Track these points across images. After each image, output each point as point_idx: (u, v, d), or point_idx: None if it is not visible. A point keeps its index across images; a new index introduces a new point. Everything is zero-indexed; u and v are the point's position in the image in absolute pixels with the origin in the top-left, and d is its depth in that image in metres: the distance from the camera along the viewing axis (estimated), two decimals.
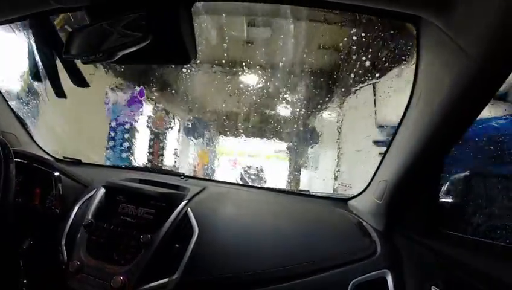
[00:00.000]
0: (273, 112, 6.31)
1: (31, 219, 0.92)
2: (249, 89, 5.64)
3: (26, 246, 0.87)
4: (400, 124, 0.74)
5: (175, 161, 6.81)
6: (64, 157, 1.39)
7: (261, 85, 5.37)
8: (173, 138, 6.65)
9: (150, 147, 5.45)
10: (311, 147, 5.70)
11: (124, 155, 4.37)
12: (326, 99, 4.55)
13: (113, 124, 4.48)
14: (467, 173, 0.72)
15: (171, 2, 0.54)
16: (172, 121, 5.40)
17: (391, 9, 0.53)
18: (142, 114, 4.54)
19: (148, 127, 5.35)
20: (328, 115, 5.18)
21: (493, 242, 0.71)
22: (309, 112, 5.31)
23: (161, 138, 5.54)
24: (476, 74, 0.48)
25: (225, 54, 4.74)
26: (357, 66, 3.64)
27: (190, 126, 6.19)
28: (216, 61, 4.92)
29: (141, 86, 4.39)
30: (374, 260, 0.75)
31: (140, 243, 0.79)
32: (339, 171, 4.47)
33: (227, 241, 0.82)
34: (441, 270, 0.65)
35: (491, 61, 0.46)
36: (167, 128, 5.40)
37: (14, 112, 1.22)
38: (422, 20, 0.56)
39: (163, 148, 5.59)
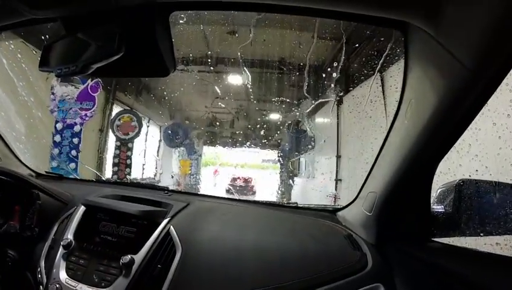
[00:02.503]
0: (263, 115, 6.35)
1: (8, 239, 0.93)
2: (234, 89, 5.62)
3: (3, 269, 0.88)
4: (388, 133, 0.78)
5: (155, 174, 6.69)
6: (46, 172, 1.44)
7: (247, 85, 5.36)
8: (152, 147, 6.54)
9: (115, 156, 5.18)
10: (306, 154, 5.75)
11: (72, 166, 3.85)
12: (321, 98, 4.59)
13: (59, 126, 3.94)
14: (457, 180, 0.77)
15: (146, 12, 0.55)
16: (142, 127, 5.14)
17: (377, 15, 0.55)
18: (93, 114, 4.07)
19: (114, 133, 5.06)
20: (324, 117, 5.21)
21: (486, 252, 0.75)
22: (302, 114, 5.37)
23: (130, 145, 5.28)
24: (468, 81, 0.50)
25: (207, 48, 4.64)
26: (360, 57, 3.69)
27: (170, 134, 6.09)
28: (197, 58, 4.85)
29: (96, 79, 3.92)
30: (365, 273, 0.77)
31: (121, 264, 0.80)
32: (340, 180, 4.49)
33: (212, 261, 0.83)
34: (435, 283, 0.68)
35: (484, 68, 0.48)
36: (136, 135, 5.13)
37: None
38: (410, 26, 0.58)
39: (130, 157, 5.29)
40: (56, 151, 3.88)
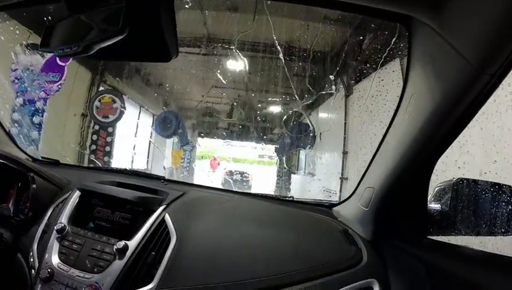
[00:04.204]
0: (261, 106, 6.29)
1: (1, 221, 0.96)
2: (232, 76, 5.48)
3: None
4: (387, 128, 0.81)
5: (147, 163, 6.66)
6: (42, 157, 1.48)
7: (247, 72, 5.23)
8: (144, 136, 6.51)
9: (92, 142, 4.91)
10: (308, 149, 5.75)
11: (31, 150, 3.38)
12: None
13: (19, 100, 3.57)
14: (455, 179, 0.82)
15: None
16: (124, 109, 4.89)
17: (380, 8, 0.56)
18: (59, 88, 3.68)
19: (90, 115, 4.78)
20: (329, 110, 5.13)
21: (482, 250, 0.80)
22: (305, 106, 5.33)
23: (110, 130, 5.06)
24: (471, 76, 0.53)
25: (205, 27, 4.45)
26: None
27: (163, 122, 6.05)
28: (194, 38, 4.68)
29: None
30: (360, 269, 0.82)
31: (115, 250, 0.84)
32: (346, 178, 4.46)
33: (206, 250, 0.88)
34: (429, 280, 0.72)
35: (487, 64, 0.50)
36: (117, 119, 4.90)
37: None
38: (414, 21, 0.61)
39: (110, 144, 5.08)
40: (14, 131, 3.40)
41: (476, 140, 1.41)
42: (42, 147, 3.60)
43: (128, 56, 0.76)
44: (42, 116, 3.68)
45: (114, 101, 4.87)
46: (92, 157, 4.86)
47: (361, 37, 3.88)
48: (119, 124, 5.26)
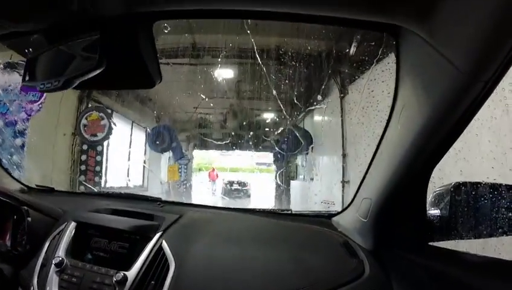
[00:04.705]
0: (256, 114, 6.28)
1: (0, 257, 0.98)
2: (223, 86, 5.45)
3: None
4: (380, 139, 0.83)
5: (142, 180, 6.62)
6: (36, 185, 1.51)
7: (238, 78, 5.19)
8: (137, 152, 6.49)
9: (81, 162, 4.80)
10: (305, 155, 5.75)
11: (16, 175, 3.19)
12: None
13: None
14: (453, 183, 0.83)
15: (128, 23, 0.57)
16: (112, 126, 4.77)
17: (367, 20, 0.57)
18: (40, 107, 3.51)
19: (78, 134, 4.64)
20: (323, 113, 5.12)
21: (484, 255, 0.81)
22: (301, 111, 5.32)
23: (99, 149, 4.96)
24: (462, 85, 0.53)
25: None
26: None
27: (155, 137, 6.03)
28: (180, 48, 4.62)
29: None
30: (363, 280, 0.82)
31: (114, 282, 0.85)
32: (348, 182, 4.43)
33: (206, 273, 0.88)
34: (432, 287, 0.72)
35: (479, 71, 0.50)
36: (106, 137, 4.80)
37: None
38: (402, 30, 0.61)
39: (99, 163, 4.97)
40: None
41: (471, 146, 1.44)
42: (27, 171, 3.48)
43: (110, 85, 0.77)
44: (23, 138, 3.53)
45: (102, 118, 4.75)
46: (82, 178, 4.76)
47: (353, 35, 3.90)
48: (111, 141, 5.19)
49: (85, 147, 4.88)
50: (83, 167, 4.85)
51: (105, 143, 5.09)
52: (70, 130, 4.75)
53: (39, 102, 3.59)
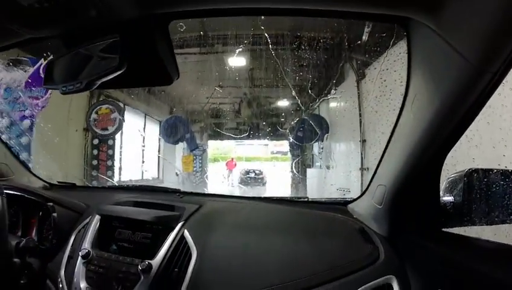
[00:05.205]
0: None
1: (29, 252, 1.04)
2: (236, 74, 5.41)
3: (24, 281, 0.99)
4: (394, 126, 0.85)
5: (158, 172, 6.72)
6: (58, 182, 1.59)
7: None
8: (152, 145, 6.61)
9: (93, 157, 4.81)
10: (321, 142, 5.72)
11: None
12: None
13: (5, 122, 3.37)
14: (466, 169, 0.85)
15: (144, 24, 0.61)
16: (123, 120, 4.73)
17: (377, 13, 0.59)
18: (45, 104, 3.46)
19: (90, 129, 4.60)
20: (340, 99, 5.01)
21: (498, 242, 0.82)
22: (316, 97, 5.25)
23: (110, 143, 4.93)
24: (471, 75, 0.55)
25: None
26: None
27: (168, 129, 6.10)
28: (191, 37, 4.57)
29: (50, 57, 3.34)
30: (378, 266, 0.86)
31: (139, 270, 0.91)
32: (367, 169, 4.38)
33: (227, 261, 0.94)
34: (446, 273, 0.75)
35: (488, 62, 0.52)
36: (117, 130, 4.77)
37: (4, 142, 1.41)
38: (412, 22, 0.62)
39: (111, 157, 4.94)
40: None
41: (483, 134, 1.43)
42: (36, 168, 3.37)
43: (129, 84, 0.81)
44: (30, 136, 3.51)
45: (112, 111, 4.73)
46: (95, 173, 4.76)
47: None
48: (125, 135, 5.23)
49: (96, 141, 4.88)
50: (95, 162, 4.87)
51: (118, 137, 5.11)
52: (82, 126, 4.78)
53: (44, 97, 3.56)
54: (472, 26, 0.50)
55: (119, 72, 0.56)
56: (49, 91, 3.51)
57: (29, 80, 3.42)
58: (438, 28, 0.55)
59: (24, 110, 3.51)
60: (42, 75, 3.25)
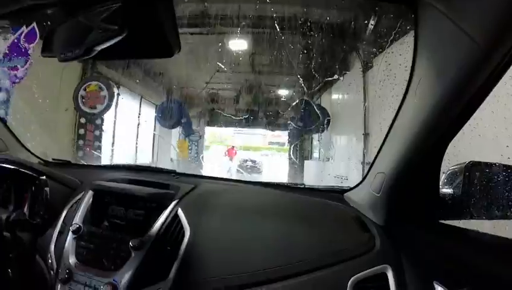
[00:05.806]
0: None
1: (19, 225, 1.03)
2: (237, 58, 5.35)
3: (14, 254, 0.98)
4: (396, 113, 0.85)
5: (152, 157, 6.70)
6: (53, 159, 1.59)
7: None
8: (145, 127, 6.59)
9: (78, 137, 4.67)
10: (320, 133, 5.72)
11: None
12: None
13: None
14: (467, 162, 0.85)
15: None
16: (113, 98, 4.57)
17: None
18: (24, 75, 3.34)
19: (77, 106, 4.43)
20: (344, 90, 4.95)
21: (494, 235, 0.83)
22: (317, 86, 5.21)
23: (98, 122, 4.81)
24: (480, 59, 0.55)
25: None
26: None
27: (164, 113, 6.06)
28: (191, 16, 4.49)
29: (32, 24, 3.23)
30: (373, 255, 0.87)
31: (130, 247, 0.91)
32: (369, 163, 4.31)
33: (219, 242, 0.96)
34: (442, 264, 0.76)
35: (497, 45, 0.52)
36: (105, 109, 4.58)
37: None
38: (420, 3, 0.62)
39: (98, 138, 4.83)
40: None
41: (487, 123, 1.44)
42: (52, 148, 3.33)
43: (129, 54, 0.80)
44: (6, 109, 3.40)
45: (101, 89, 4.53)
46: (80, 154, 4.63)
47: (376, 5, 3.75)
48: (118, 117, 5.18)
49: (83, 120, 4.75)
50: (81, 142, 4.74)
51: (111, 118, 5.03)
52: (73, 105, 4.61)
53: (24, 67, 3.40)
54: (481, 9, 0.50)
55: (118, 38, 0.56)
56: (30, 61, 3.39)
57: (9, 50, 3.33)
58: (447, 10, 0.55)
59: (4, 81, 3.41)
60: (22, 44, 3.30)
